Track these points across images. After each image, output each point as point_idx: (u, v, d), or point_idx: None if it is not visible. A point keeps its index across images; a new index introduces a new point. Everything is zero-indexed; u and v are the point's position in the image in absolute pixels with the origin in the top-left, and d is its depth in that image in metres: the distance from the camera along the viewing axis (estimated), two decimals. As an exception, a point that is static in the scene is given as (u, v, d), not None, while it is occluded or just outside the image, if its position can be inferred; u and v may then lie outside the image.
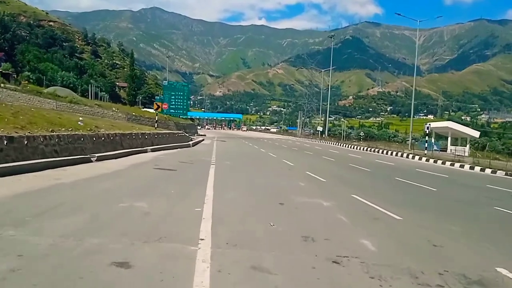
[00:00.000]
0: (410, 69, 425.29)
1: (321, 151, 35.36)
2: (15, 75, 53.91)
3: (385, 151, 38.00)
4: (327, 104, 79.87)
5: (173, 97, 65.82)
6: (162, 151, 21.51)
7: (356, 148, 45.26)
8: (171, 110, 62.63)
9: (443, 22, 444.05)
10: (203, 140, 41.39)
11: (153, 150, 20.55)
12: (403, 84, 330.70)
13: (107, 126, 19.36)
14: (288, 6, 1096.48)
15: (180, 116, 70.76)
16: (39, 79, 52.56)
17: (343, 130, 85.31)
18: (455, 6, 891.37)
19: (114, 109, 34.83)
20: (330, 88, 77.82)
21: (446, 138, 43.37)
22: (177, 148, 24.79)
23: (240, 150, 30.17)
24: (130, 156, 17.08)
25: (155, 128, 29.07)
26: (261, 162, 20.27)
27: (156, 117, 32.87)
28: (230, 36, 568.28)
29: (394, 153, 35.95)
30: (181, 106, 67.67)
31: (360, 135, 70.54)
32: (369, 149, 42.17)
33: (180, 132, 34.88)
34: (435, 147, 40.31)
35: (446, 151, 37.57)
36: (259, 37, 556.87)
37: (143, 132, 22.15)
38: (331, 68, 73.90)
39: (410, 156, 32.77)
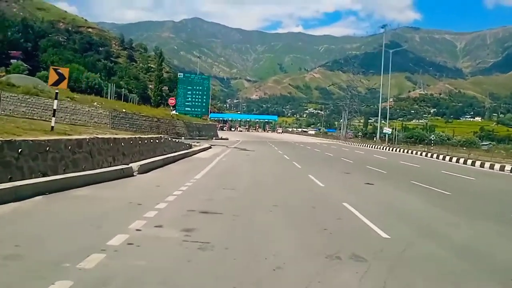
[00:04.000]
0: (452, 72, 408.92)
1: (425, 173, 20.57)
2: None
3: None
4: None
5: (189, 92, 53.68)
6: None
7: (464, 163, 28.68)
8: (186, 108, 53.29)
9: (486, 25, 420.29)
10: (209, 148, 27.56)
11: None
12: (447, 86, 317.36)
13: None
14: (326, 14, 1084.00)
15: (200, 116, 59.27)
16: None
17: (395, 134, 75.40)
18: (497, 8, 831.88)
19: (96, 103, 29.07)
20: (380, 90, 73.33)
21: None
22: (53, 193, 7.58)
23: (258, 188, 11.40)
24: None
25: (51, 129, 11.77)
26: None
27: (55, 102, 13.44)
28: (268, 43, 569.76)
29: None
30: (200, 104, 55.09)
31: (431, 139, 57.03)
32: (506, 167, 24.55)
33: (156, 136, 19.02)
34: None
35: None
36: (296, 44, 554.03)
37: None
38: (382, 67, 66.94)
39: None
